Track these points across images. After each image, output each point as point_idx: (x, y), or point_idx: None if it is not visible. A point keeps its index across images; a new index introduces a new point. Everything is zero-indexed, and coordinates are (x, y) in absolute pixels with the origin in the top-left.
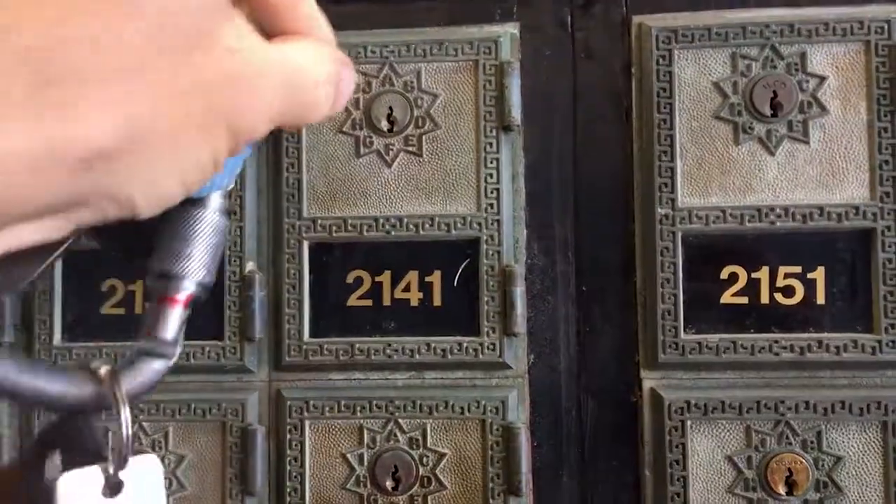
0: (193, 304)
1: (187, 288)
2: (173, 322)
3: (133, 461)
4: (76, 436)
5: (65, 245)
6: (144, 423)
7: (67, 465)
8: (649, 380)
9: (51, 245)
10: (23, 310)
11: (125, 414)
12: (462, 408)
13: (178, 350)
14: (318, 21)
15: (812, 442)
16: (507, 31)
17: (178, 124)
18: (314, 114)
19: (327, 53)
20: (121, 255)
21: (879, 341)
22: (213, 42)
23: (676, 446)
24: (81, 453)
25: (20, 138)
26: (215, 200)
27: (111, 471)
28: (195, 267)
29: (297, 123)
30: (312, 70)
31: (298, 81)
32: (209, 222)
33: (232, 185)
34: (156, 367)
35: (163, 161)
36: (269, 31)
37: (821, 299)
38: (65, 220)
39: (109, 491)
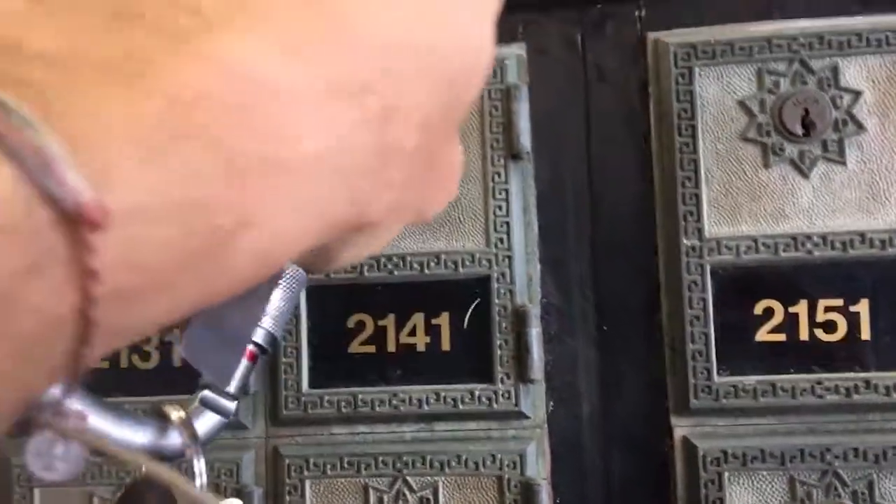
0: (260, 357)
1: (258, 339)
2: (239, 375)
3: None
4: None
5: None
6: None
7: None
8: (681, 427)
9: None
10: None
11: (201, 464)
12: (476, 463)
13: (235, 406)
14: None
15: (863, 493)
16: (514, 53)
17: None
18: None
19: None
20: None
21: None
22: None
23: (713, 501)
24: None
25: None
26: None
27: None
28: (269, 318)
29: None
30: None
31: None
32: (291, 273)
33: None
34: (216, 421)
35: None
36: None
37: (866, 334)
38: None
39: None
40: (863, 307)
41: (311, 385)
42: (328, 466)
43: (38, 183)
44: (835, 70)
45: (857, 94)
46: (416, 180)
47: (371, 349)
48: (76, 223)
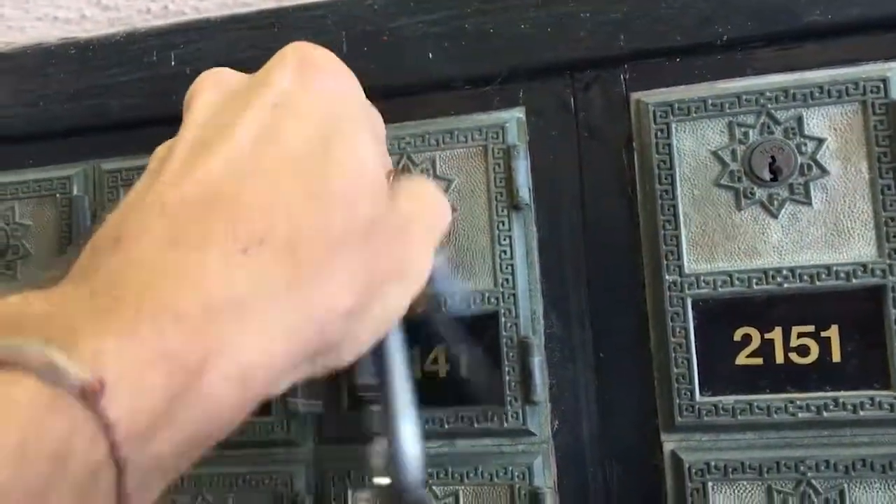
0: None
1: None
2: None
3: None
4: None
5: None
6: (208, 496)
7: None
8: (669, 442)
9: None
10: None
11: None
12: (490, 474)
13: None
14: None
15: (835, 501)
16: (514, 116)
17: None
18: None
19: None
20: None
21: None
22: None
23: None
24: None
25: (288, 317)
26: None
27: None
28: None
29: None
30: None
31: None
32: None
33: None
34: None
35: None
36: None
37: (836, 357)
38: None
39: None
40: (833, 333)
41: (350, 409)
42: (366, 478)
43: (50, 381)
44: (799, 120)
45: (820, 142)
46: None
47: None
48: (85, 396)
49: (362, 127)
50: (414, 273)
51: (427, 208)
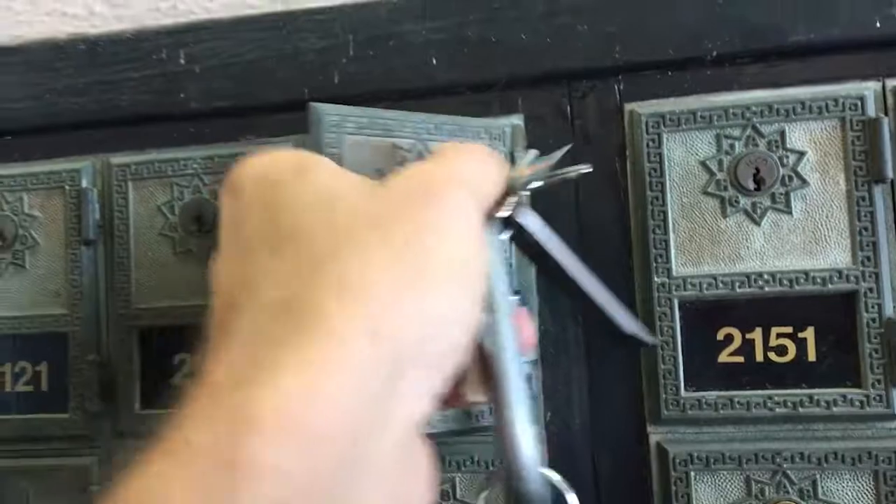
0: None
1: None
2: None
3: None
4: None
5: None
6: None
7: None
8: (655, 434)
9: None
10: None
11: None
12: (486, 462)
13: None
14: None
15: (808, 490)
16: (512, 122)
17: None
18: None
19: None
20: None
21: (867, 395)
22: None
23: (682, 496)
24: None
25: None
26: None
27: None
28: None
29: None
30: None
31: None
32: None
33: None
34: None
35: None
36: None
37: (812, 357)
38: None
39: None
40: (809, 334)
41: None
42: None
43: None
44: (782, 134)
45: (801, 154)
46: None
47: None
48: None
49: (314, 164)
50: (450, 242)
51: (439, 165)
